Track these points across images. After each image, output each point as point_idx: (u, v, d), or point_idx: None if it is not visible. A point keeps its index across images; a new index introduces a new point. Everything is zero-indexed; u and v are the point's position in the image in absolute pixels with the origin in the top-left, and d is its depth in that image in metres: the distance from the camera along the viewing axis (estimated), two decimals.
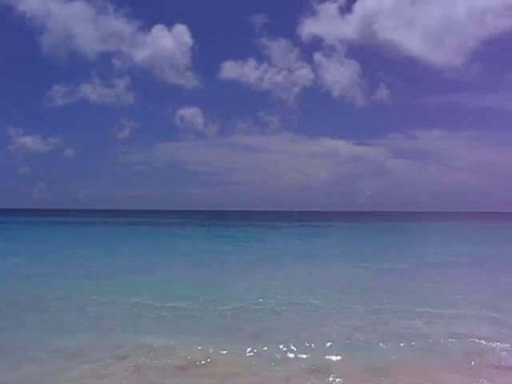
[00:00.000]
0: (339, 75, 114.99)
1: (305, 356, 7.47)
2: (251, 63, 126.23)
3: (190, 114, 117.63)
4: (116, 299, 11.85)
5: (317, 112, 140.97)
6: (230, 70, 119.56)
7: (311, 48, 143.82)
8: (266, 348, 7.71)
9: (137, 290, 12.99)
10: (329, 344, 8.04)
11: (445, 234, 49.53)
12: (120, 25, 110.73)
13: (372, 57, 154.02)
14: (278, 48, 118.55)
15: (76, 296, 12.41)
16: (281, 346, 7.75)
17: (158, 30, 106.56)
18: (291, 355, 7.52)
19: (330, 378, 6.70)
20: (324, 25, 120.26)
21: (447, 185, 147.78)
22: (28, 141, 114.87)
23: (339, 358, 7.42)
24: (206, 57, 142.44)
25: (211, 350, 7.60)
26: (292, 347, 7.72)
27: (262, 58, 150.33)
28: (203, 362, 7.27)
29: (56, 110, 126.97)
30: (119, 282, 14.69)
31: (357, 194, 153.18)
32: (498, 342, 8.03)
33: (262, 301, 11.73)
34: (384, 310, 10.75)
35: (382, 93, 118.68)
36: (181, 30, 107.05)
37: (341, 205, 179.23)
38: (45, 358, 7.55)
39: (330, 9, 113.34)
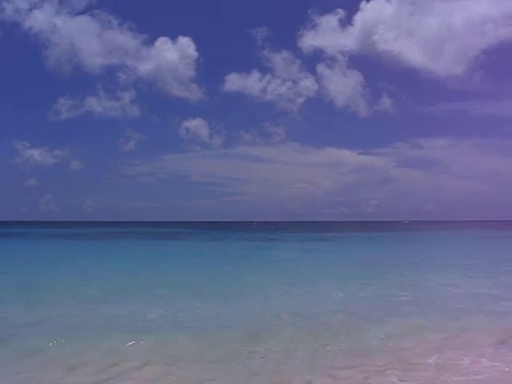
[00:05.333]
0: (342, 86, 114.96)
1: None
2: (255, 75, 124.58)
3: (195, 125, 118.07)
4: None
5: (321, 122, 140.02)
6: (234, 81, 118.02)
7: (313, 59, 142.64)
8: None
9: None
10: None
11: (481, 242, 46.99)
12: (124, 38, 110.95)
13: (374, 67, 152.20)
14: (280, 60, 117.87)
15: None
16: None
17: (162, 43, 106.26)
18: None
19: None
20: (325, 37, 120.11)
21: (453, 193, 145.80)
22: (35, 153, 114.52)
23: None
24: (210, 69, 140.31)
25: None
26: None
27: (265, 69, 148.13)
28: None
29: (62, 122, 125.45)
30: None
31: (363, 203, 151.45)
32: None
33: None
34: None
35: (386, 102, 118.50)
36: (185, 42, 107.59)
37: (347, 214, 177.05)
38: None
39: (331, 21, 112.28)
